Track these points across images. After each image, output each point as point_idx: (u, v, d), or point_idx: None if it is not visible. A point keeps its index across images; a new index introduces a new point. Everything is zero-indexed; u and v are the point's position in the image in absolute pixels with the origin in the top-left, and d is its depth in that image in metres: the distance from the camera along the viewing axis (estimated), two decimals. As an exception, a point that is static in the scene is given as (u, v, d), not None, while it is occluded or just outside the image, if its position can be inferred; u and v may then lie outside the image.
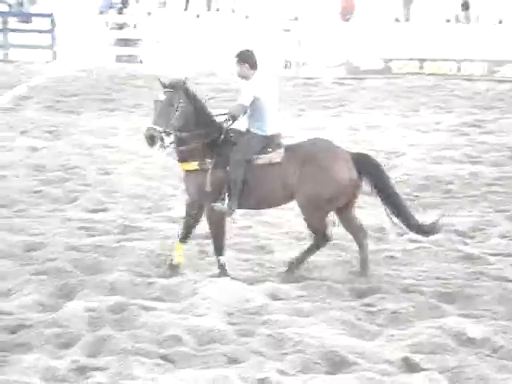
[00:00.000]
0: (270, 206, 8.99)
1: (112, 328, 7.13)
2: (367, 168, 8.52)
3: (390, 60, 22.15)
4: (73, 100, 17.85)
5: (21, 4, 28.93)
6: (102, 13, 24.70)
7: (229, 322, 7.36)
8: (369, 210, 9.72)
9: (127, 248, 9.02)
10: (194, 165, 8.49)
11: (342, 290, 8.11)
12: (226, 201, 8.41)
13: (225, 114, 8.59)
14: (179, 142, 8.52)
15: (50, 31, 22.62)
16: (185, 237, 8.68)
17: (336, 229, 8.69)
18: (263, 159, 8.47)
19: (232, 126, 8.57)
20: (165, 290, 8.00)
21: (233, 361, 6.66)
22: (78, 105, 17.35)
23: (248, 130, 8.60)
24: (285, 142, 8.69)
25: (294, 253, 8.77)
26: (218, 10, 31.43)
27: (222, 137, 8.51)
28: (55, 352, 6.67)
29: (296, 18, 24.76)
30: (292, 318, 7.40)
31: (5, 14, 24.95)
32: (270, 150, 8.51)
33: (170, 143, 8.43)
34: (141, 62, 23.23)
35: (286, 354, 6.78)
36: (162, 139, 8.35)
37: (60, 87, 19.22)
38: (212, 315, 7.43)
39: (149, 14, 25.78)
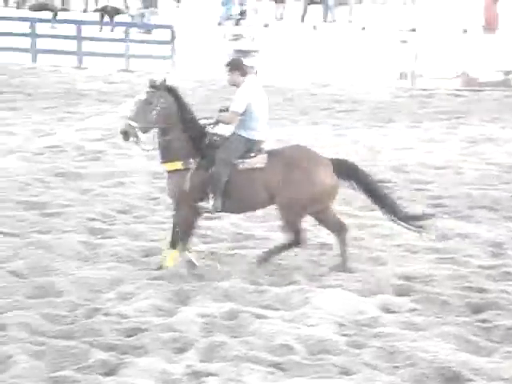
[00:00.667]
0: (251, 210, 9.27)
1: (225, 334, 7.23)
2: (347, 172, 8.82)
3: (511, 72, 21.70)
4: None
5: (142, 15, 29.62)
6: (220, 24, 25.06)
7: (340, 333, 7.35)
8: (488, 225, 9.55)
9: (240, 256, 9.13)
10: (177, 164, 8.65)
11: (456, 304, 7.99)
12: (211, 201, 8.59)
13: (212, 121, 8.82)
14: (162, 142, 8.69)
15: (170, 42, 23.08)
16: (173, 243, 8.78)
17: (452, 243, 8.56)
18: (246, 164, 8.66)
19: (216, 131, 8.79)
20: (277, 299, 8.05)
21: (344, 372, 6.65)
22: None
23: (234, 133, 8.77)
24: (265, 147, 8.83)
25: (408, 266, 8.70)
26: (334, 21, 31.46)
27: (207, 139, 8.70)
28: (170, 356, 6.81)
29: (413, 30, 24.56)
30: (404, 332, 7.35)
31: (127, 24, 25.60)
32: (253, 154, 8.70)
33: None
34: (256, 73, 23.44)
35: (398, 367, 6.74)
36: (136, 135, 8.55)
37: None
38: (324, 325, 7.44)
39: (266, 25, 26.00)
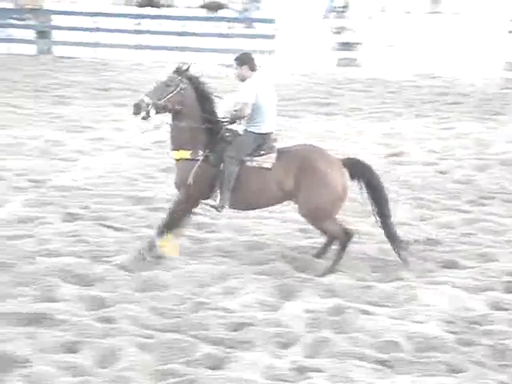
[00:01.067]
0: (257, 208, 9.15)
1: (330, 330, 7.19)
2: (361, 171, 8.63)
3: None
4: (293, 104, 18.13)
5: (246, 10, 29.75)
6: (325, 17, 24.93)
7: (448, 331, 7.22)
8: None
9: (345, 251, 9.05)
10: (185, 153, 8.59)
11: None
12: (218, 197, 8.53)
13: (227, 119, 8.72)
14: (175, 127, 8.66)
15: (273, 36, 23.11)
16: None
17: None
18: (255, 162, 8.59)
19: (230, 126, 8.73)
20: (382, 295, 7.97)
21: (452, 370, 6.54)
22: (298, 109, 17.60)
23: (244, 129, 8.69)
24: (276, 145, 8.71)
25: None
26: (439, 12, 30.96)
27: (220, 134, 8.63)
28: (276, 351, 6.82)
29: (521, 19, 23.91)
30: (515, 330, 7.18)
31: (231, 19, 25.75)
32: (263, 152, 8.62)
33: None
34: (359, 65, 23.27)
35: (508, 365, 6.58)
36: (146, 110, 8.50)
37: (281, 91, 19.57)
38: (431, 322, 7.33)
39: (370, 17, 25.76)
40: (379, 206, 8.65)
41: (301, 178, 8.46)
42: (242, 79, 8.72)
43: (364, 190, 8.67)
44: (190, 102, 8.65)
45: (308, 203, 8.49)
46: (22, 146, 13.51)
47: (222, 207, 8.66)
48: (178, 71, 8.72)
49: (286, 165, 8.53)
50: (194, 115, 8.66)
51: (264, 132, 8.69)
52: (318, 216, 8.57)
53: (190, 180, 8.52)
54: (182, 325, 7.27)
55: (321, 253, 8.86)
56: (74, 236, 9.44)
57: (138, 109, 8.53)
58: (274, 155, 8.61)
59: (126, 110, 16.92)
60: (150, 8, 30.34)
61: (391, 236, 8.66)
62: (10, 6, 27.20)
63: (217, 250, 9.12)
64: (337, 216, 8.69)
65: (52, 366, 6.46)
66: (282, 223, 10.14)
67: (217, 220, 10.18)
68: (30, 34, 24.54)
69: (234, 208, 8.95)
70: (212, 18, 29.45)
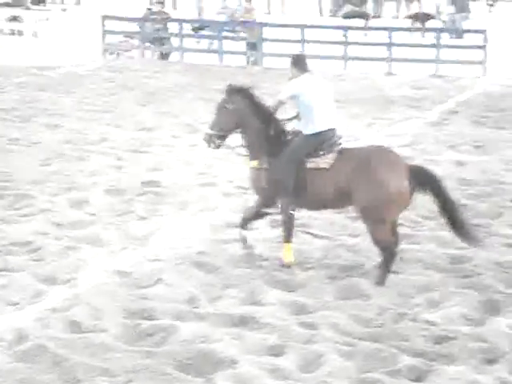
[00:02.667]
0: (324, 208, 9.16)
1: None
2: (424, 179, 8.43)
3: None
4: (500, 115, 17.69)
5: (454, 20, 29.31)
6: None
7: None
8: None
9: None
10: (254, 163, 8.90)
11: None
12: (279, 201, 8.80)
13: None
14: (244, 142, 9.02)
15: (483, 47, 22.63)
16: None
17: None
18: (314, 163, 8.64)
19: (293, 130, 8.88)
20: None
21: None
22: (506, 120, 17.15)
23: (299, 132, 8.80)
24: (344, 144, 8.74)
25: None
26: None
27: (283, 138, 8.83)
28: (479, 366, 6.71)
29: None
30: None
31: (438, 30, 25.44)
32: (323, 152, 8.64)
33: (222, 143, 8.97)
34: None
35: None
36: (213, 141, 8.99)
37: (488, 102, 19.17)
38: None
39: None
40: (448, 215, 8.51)
41: (354, 178, 8.42)
42: (293, 78, 8.91)
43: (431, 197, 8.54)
44: (245, 116, 8.90)
45: (359, 202, 8.44)
46: (233, 154, 13.90)
47: (283, 211, 8.86)
48: (228, 92, 8.98)
49: (344, 164, 8.53)
50: (253, 127, 8.89)
51: (318, 131, 8.69)
52: (368, 216, 8.44)
53: (263, 185, 8.85)
54: (383, 335, 7.30)
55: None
56: (278, 242, 9.67)
57: (208, 143, 9.08)
58: (333, 155, 8.63)
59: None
60: (357, 19, 30.48)
61: (468, 240, 8.57)
62: (223, 18, 28.14)
63: (419, 261, 9.07)
64: (394, 228, 8.57)
65: (257, 368, 6.68)
66: (486, 237, 9.93)
67: (418, 231, 10.11)
68: (242, 47, 25.33)
69: (305, 208, 9.16)
70: (420, 28, 29.21)
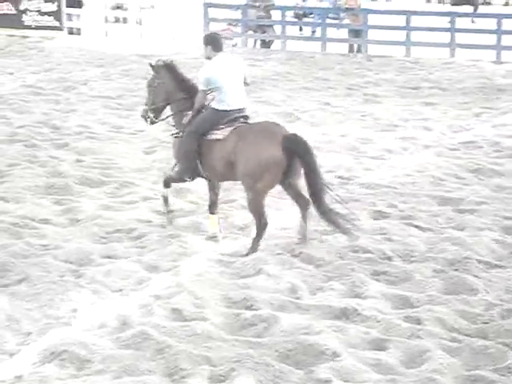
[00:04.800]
0: (217, 179, 9.45)
1: None
2: (296, 148, 8.71)
3: None
4: None
5: None
6: None
7: None
8: None
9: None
10: (175, 132, 9.52)
11: None
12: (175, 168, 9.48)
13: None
14: (172, 116, 9.62)
15: None
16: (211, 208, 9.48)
17: None
18: (212, 135, 9.10)
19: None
20: None
21: None
22: None
23: (207, 106, 9.24)
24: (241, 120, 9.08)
25: None
26: None
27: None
28: None
29: None
30: None
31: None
32: (222, 126, 9.08)
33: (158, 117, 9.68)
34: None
35: None
36: (147, 116, 9.71)
37: None
38: None
39: None
40: (311, 186, 8.76)
41: (237, 148, 8.87)
42: (207, 58, 9.31)
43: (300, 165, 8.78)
44: (171, 91, 9.54)
45: (239, 170, 8.88)
46: (333, 143, 13.84)
47: (182, 176, 9.42)
48: (154, 68, 9.65)
49: (233, 136, 8.97)
50: (176, 101, 9.53)
51: (224, 110, 9.11)
52: (246, 185, 8.92)
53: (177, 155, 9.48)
54: (490, 331, 7.10)
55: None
56: (381, 234, 9.53)
57: (144, 119, 9.83)
58: (230, 129, 9.05)
59: (434, 109, 16.87)
60: (465, 6, 29.82)
61: (326, 215, 8.79)
62: (327, 5, 27.95)
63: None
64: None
65: (359, 361, 6.57)
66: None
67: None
68: (344, 33, 25.12)
69: (202, 178, 9.48)
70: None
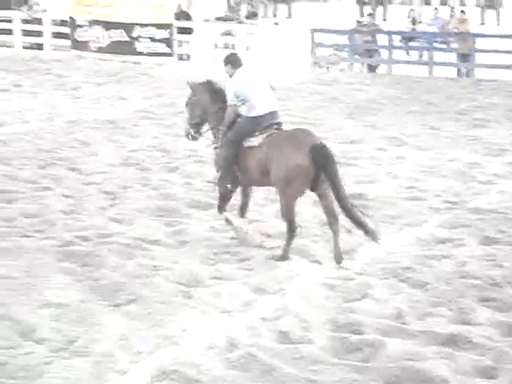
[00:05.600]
0: (254, 185, 10.02)
1: None
2: (318, 158, 9.11)
3: None
4: None
5: None
6: None
7: None
8: None
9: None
10: (215, 144, 10.11)
11: None
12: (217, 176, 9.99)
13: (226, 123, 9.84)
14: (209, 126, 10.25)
15: None
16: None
17: None
18: (249, 142, 9.60)
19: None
20: None
21: None
22: None
23: (242, 115, 9.76)
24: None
25: None
26: None
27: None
28: None
29: None
30: None
31: None
32: (257, 133, 9.58)
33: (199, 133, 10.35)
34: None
35: None
36: (188, 131, 10.38)
37: None
38: None
39: None
40: (336, 195, 9.15)
41: (269, 155, 9.35)
42: (229, 76, 9.91)
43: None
44: (206, 107, 10.12)
45: (272, 172, 9.31)
46: (441, 168, 13.73)
47: (223, 183, 9.92)
48: (190, 87, 10.28)
49: (267, 144, 9.45)
50: (212, 114, 10.07)
51: (257, 115, 9.64)
52: (279, 190, 9.39)
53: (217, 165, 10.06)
54: None
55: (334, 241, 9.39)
56: (490, 260, 9.41)
57: (186, 136, 10.49)
58: (263, 136, 9.55)
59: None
60: None
61: (354, 221, 9.22)
62: (434, 29, 27.74)
63: None
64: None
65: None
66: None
67: None
68: (451, 57, 24.89)
69: (240, 185, 9.98)
70: None
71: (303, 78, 23.67)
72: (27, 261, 9.27)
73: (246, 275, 9.04)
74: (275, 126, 9.73)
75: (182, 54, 27.09)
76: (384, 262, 9.39)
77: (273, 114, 9.76)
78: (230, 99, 9.82)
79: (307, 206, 11.39)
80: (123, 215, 11.06)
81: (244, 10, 29.06)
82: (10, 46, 28.91)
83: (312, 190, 9.40)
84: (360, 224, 9.21)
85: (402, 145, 15.49)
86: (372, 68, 25.68)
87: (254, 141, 9.62)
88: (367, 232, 9.22)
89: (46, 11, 29.31)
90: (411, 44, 26.86)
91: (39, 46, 28.36)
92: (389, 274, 8.98)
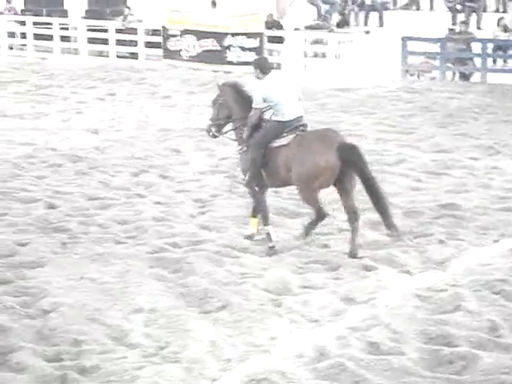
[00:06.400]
0: (279, 186, 10.55)
1: None
2: (350, 157, 9.56)
3: None
4: None
5: None
6: None
7: None
8: None
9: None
10: (239, 146, 10.38)
11: None
12: (245, 178, 10.22)
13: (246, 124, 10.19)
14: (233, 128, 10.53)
15: None
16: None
17: None
18: (277, 143, 9.95)
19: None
20: None
21: None
22: None
23: (269, 119, 10.05)
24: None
25: None
26: None
27: (256, 124, 10.12)
28: None
29: None
30: None
31: None
32: (285, 135, 9.93)
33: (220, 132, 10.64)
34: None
35: None
36: (210, 129, 10.67)
37: None
38: None
39: None
40: (370, 193, 9.61)
41: (295, 154, 9.74)
42: (258, 79, 10.17)
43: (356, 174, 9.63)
44: (231, 109, 10.39)
45: (295, 169, 9.73)
46: None
47: (247, 186, 10.26)
48: (219, 88, 10.55)
49: (293, 143, 9.82)
50: (239, 117, 10.33)
51: (284, 120, 9.96)
52: (299, 182, 9.81)
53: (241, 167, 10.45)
54: None
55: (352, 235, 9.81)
56: None
57: (208, 132, 10.82)
58: (291, 136, 9.89)
59: None
60: None
61: (388, 225, 9.71)
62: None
63: None
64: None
65: None
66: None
67: None
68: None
69: (268, 185, 10.33)
70: None
71: (394, 87, 23.48)
72: (120, 266, 9.43)
73: (335, 284, 9.01)
74: (301, 128, 10.09)
75: (272, 63, 27.15)
76: (477, 273, 9.22)
77: (299, 118, 10.11)
78: (257, 103, 10.10)
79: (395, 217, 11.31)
80: (213, 222, 11.15)
81: (335, 18, 28.94)
82: (104, 56, 29.51)
83: (335, 186, 9.83)
84: (388, 219, 9.69)
85: (496, 154, 15.21)
86: (465, 76, 25.29)
87: (283, 140, 9.96)
88: (392, 228, 9.73)
89: (140, 21, 29.80)
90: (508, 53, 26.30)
91: (133, 56, 28.86)
92: (482, 285, 8.81)
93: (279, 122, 10.03)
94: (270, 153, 10.02)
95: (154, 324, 7.92)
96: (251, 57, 26.35)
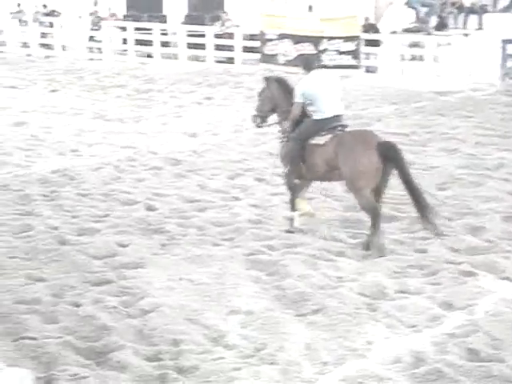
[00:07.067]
0: (319, 179, 10.81)
1: None
2: (389, 154, 9.76)
3: None
4: None
5: None
6: None
7: None
8: None
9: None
10: (281, 138, 10.84)
11: None
12: (284, 170, 10.76)
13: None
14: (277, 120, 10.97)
15: None
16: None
17: None
18: (314, 140, 10.30)
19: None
20: None
21: None
22: None
23: (308, 116, 10.46)
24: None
25: None
26: None
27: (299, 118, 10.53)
28: None
29: None
30: None
31: None
32: (324, 133, 10.27)
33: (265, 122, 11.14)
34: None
35: None
36: (255, 120, 11.18)
37: None
38: None
39: None
40: (410, 191, 9.72)
41: (338, 154, 10.00)
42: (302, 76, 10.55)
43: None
44: (278, 102, 10.80)
45: (343, 174, 10.02)
46: None
47: (290, 178, 10.69)
48: (266, 81, 11.03)
49: (333, 143, 10.10)
50: (282, 110, 10.76)
51: (323, 118, 10.31)
52: (350, 186, 10.11)
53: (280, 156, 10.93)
54: None
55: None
56: None
57: (253, 122, 11.28)
58: (330, 135, 10.20)
59: None
60: None
61: (428, 223, 9.77)
62: None
63: None
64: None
65: None
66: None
67: None
68: None
69: (304, 179, 10.71)
70: None
71: (493, 90, 23.09)
72: (217, 268, 9.54)
73: (433, 290, 8.92)
74: (339, 128, 10.37)
75: (369, 66, 27.04)
76: None
77: (338, 117, 10.43)
78: (298, 97, 10.45)
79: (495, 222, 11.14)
80: (308, 226, 11.16)
81: (433, 21, 28.60)
82: (202, 60, 29.86)
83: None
84: (427, 217, 9.75)
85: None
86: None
87: (320, 139, 10.29)
88: (430, 226, 9.82)
89: (238, 26, 30.04)
90: None
91: (230, 60, 29.11)
92: None
93: (318, 120, 10.37)
94: (309, 149, 10.38)
95: (250, 325, 7.99)
96: (347, 60, 26.31)
